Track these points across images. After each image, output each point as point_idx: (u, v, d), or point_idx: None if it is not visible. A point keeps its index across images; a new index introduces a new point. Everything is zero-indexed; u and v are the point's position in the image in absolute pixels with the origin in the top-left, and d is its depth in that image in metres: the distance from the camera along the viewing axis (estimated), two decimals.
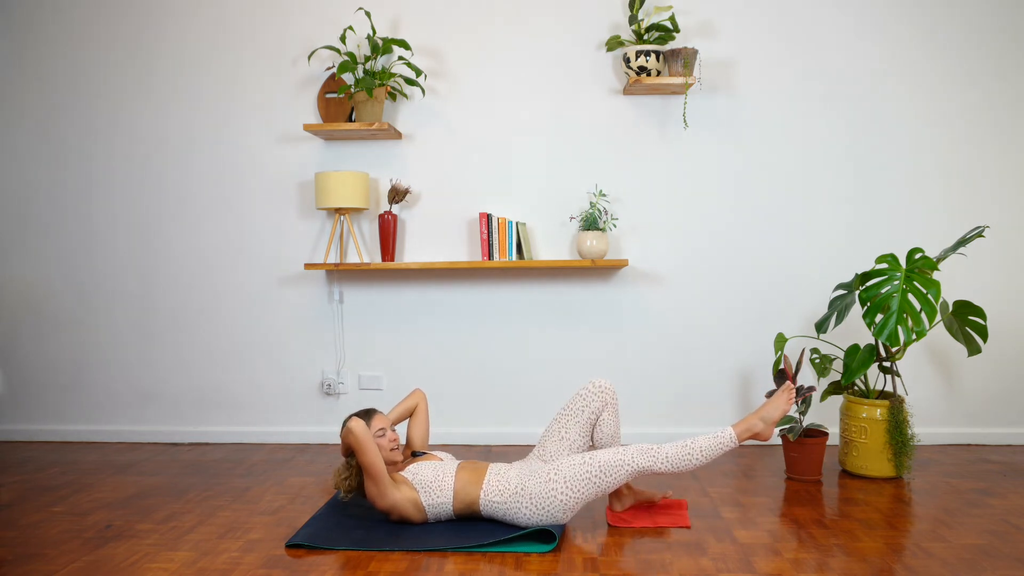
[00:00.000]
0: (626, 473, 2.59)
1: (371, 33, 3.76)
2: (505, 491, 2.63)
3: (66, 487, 3.28)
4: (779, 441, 3.76)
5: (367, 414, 2.79)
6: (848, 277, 3.76)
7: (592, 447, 2.83)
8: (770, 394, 3.27)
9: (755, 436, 2.70)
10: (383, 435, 2.74)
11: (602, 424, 2.80)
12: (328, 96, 3.85)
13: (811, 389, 3.23)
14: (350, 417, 2.82)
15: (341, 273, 3.94)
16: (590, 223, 3.68)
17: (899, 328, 3.45)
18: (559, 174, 3.85)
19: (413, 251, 3.92)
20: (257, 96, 3.93)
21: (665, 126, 3.81)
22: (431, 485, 2.67)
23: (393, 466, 2.78)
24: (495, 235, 3.72)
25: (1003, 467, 3.42)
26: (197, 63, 3.94)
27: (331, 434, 3.94)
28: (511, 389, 3.92)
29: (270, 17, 3.90)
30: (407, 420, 3.13)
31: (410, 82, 3.73)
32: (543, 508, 2.58)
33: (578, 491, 2.57)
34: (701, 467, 2.65)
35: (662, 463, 2.59)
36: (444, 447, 3.83)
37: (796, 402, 3.24)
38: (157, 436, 4.07)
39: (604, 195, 3.80)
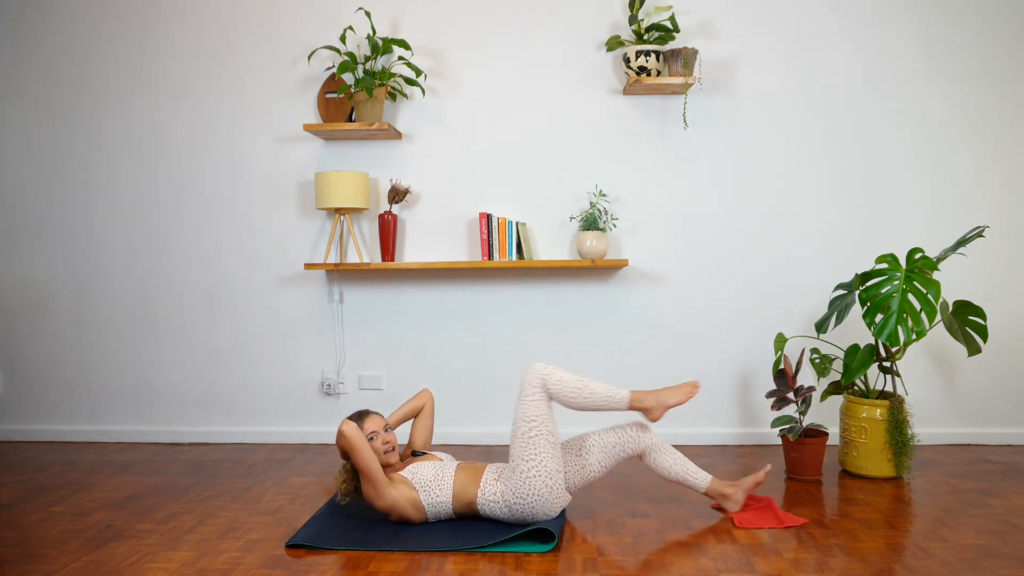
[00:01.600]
0: (538, 401, 2.61)
1: (371, 33, 3.76)
2: (497, 492, 2.64)
3: (66, 487, 3.28)
4: (779, 441, 3.76)
5: (360, 416, 2.78)
6: (848, 277, 3.76)
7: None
8: (771, 394, 3.28)
9: (644, 410, 2.72)
10: (374, 439, 2.72)
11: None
12: (328, 96, 3.85)
13: (811, 389, 3.24)
14: (350, 417, 2.82)
15: (341, 273, 3.94)
16: (590, 223, 3.68)
17: (899, 328, 3.45)
18: (559, 174, 3.85)
19: (413, 251, 3.92)
20: (257, 96, 3.93)
21: (665, 126, 3.81)
22: (430, 485, 2.67)
23: (390, 467, 2.77)
24: (495, 235, 3.72)
25: (1003, 467, 3.42)
26: (197, 63, 3.94)
27: (331, 434, 3.93)
28: (511, 389, 3.92)
29: (270, 17, 3.91)
30: (412, 419, 3.12)
31: (410, 82, 3.73)
32: (528, 496, 2.58)
33: (536, 456, 2.58)
34: (585, 409, 2.68)
35: (555, 384, 2.63)
36: (444, 447, 3.83)
37: (796, 402, 3.26)
38: (157, 436, 4.07)
39: (604, 195, 3.80)
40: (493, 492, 2.65)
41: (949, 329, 3.30)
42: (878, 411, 3.25)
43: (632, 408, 2.71)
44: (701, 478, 2.81)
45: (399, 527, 2.69)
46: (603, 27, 3.80)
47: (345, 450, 2.67)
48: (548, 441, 2.61)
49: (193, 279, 4.01)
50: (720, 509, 2.86)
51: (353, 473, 2.78)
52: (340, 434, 2.61)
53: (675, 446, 3.78)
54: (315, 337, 3.98)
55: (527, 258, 3.76)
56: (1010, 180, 3.77)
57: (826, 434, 3.27)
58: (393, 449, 2.78)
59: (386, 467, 2.76)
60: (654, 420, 2.74)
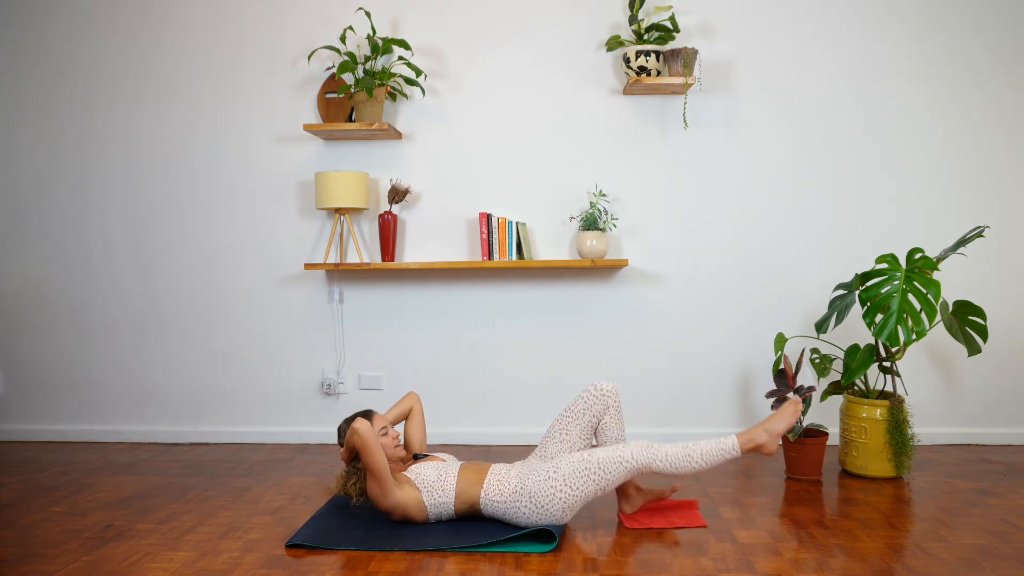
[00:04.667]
0: (625, 470, 2.58)
1: (371, 33, 3.76)
2: (505, 491, 2.64)
3: (66, 487, 3.28)
4: (779, 441, 3.75)
5: (367, 415, 2.80)
6: (848, 277, 3.76)
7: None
8: (771, 394, 3.27)
9: (758, 448, 2.65)
10: (385, 433, 2.77)
11: (605, 428, 2.80)
12: (328, 96, 3.85)
13: (811, 389, 3.24)
14: (348, 420, 2.83)
15: (341, 273, 3.94)
16: (590, 223, 3.68)
17: (899, 328, 3.45)
18: (559, 174, 3.85)
19: (413, 251, 3.92)
20: (257, 96, 3.93)
21: (665, 126, 3.81)
22: (434, 485, 2.68)
23: (397, 464, 2.79)
24: (495, 235, 3.72)
25: (1003, 467, 3.42)
26: (197, 63, 3.94)
27: (331, 434, 3.94)
28: (511, 389, 3.92)
29: (270, 17, 3.91)
30: (403, 423, 3.13)
31: (410, 82, 3.73)
32: (543, 507, 2.58)
33: (577, 489, 2.57)
34: (700, 471, 2.64)
35: (661, 462, 2.59)
36: (444, 447, 3.83)
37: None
38: (157, 436, 4.07)
39: (604, 195, 3.80)
40: (499, 490, 2.65)
41: (949, 329, 3.30)
42: (878, 411, 3.25)
43: (745, 451, 2.63)
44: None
45: (399, 527, 2.69)
46: (603, 27, 3.80)
47: (356, 448, 2.64)
48: (596, 492, 2.60)
49: (193, 279, 4.01)
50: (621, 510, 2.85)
51: (363, 473, 2.77)
52: (353, 431, 2.58)
53: None
54: (315, 337, 3.98)
55: (527, 258, 3.76)
56: (1010, 180, 3.77)
57: (826, 434, 3.27)
58: (400, 444, 2.82)
59: (394, 463, 2.78)
60: (770, 454, 2.68)
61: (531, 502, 2.59)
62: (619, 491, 2.84)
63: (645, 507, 2.88)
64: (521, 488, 2.61)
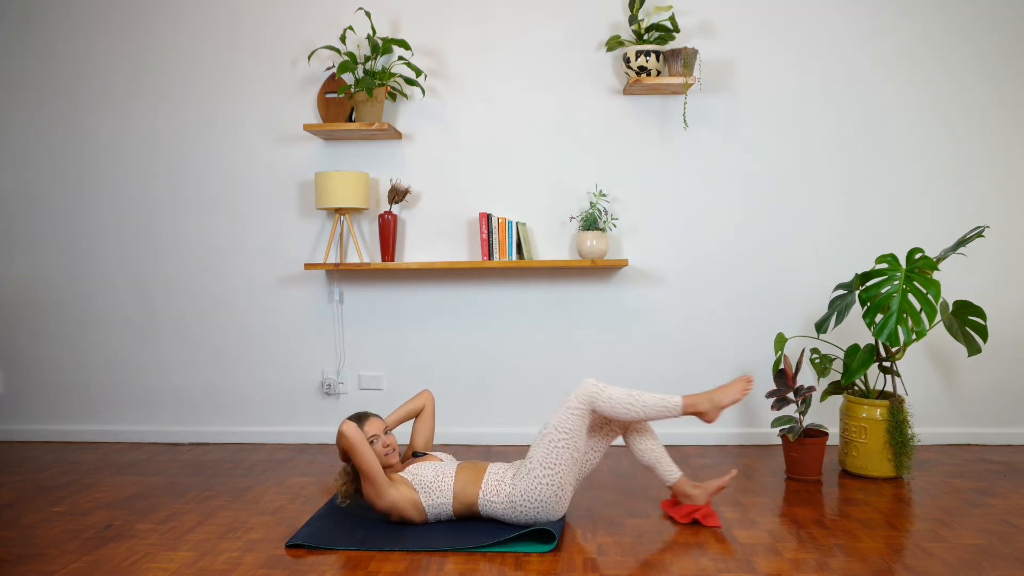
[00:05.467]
0: (578, 416, 2.60)
1: (371, 33, 3.76)
2: (502, 491, 2.64)
3: (66, 487, 3.28)
4: (779, 441, 3.76)
5: (360, 418, 2.78)
6: (848, 277, 3.76)
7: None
8: (771, 394, 3.28)
9: (699, 414, 2.69)
10: (375, 442, 2.73)
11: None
12: (328, 96, 3.85)
13: (811, 389, 3.24)
14: (344, 421, 2.83)
15: (341, 273, 3.94)
16: (590, 223, 3.68)
17: (899, 328, 3.45)
18: (559, 174, 3.85)
19: (413, 251, 3.92)
20: (257, 96, 3.93)
21: (665, 126, 3.81)
22: (431, 485, 2.67)
23: (390, 468, 2.77)
24: (495, 235, 3.72)
25: (1003, 467, 3.42)
26: (197, 63, 3.94)
27: (331, 434, 3.93)
28: (511, 389, 3.92)
29: (270, 17, 3.91)
30: (412, 420, 3.12)
31: (410, 82, 3.73)
32: (536, 500, 2.58)
33: (555, 466, 2.58)
34: (637, 421, 2.68)
35: (604, 402, 2.61)
36: (444, 447, 3.83)
37: (796, 402, 3.26)
38: (157, 436, 4.07)
39: (604, 195, 3.80)
40: (497, 490, 2.65)
41: (949, 329, 3.30)
42: (878, 411, 3.25)
43: (686, 413, 2.67)
44: (671, 472, 2.81)
45: (399, 527, 2.69)
46: (603, 27, 3.80)
47: (346, 451, 2.68)
48: (572, 456, 2.61)
49: (193, 279, 4.01)
50: (671, 513, 2.81)
51: (353, 475, 2.78)
52: (340, 435, 2.61)
53: (675, 446, 3.80)
54: (315, 337, 3.98)
55: (527, 258, 3.76)
56: (1010, 180, 3.77)
57: (826, 434, 3.27)
58: (394, 451, 2.78)
59: (386, 468, 2.76)
60: (710, 422, 2.71)
61: (524, 499, 2.60)
62: (679, 491, 2.82)
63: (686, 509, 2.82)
64: (514, 487, 2.62)
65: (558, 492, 2.60)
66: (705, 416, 2.70)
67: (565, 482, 2.61)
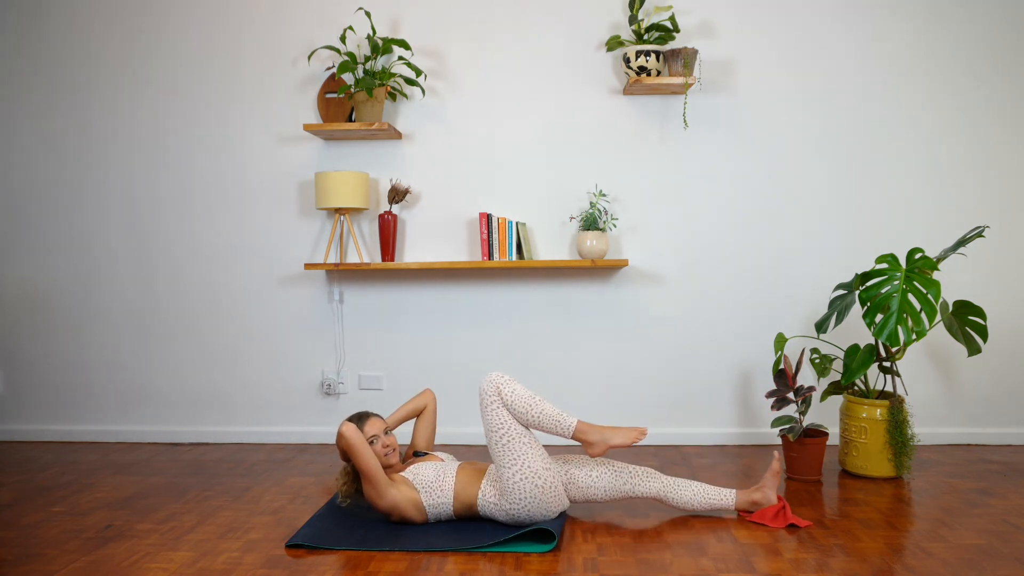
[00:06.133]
0: (498, 408, 2.58)
1: (371, 33, 3.76)
2: (495, 495, 2.64)
3: (66, 487, 3.28)
4: (779, 441, 3.76)
5: (360, 418, 2.78)
6: (848, 277, 3.76)
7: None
8: (771, 394, 3.27)
9: (586, 443, 2.67)
10: (375, 443, 2.73)
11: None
12: (328, 96, 3.85)
13: (811, 389, 3.24)
14: (344, 422, 2.83)
15: (341, 273, 3.94)
16: (590, 223, 3.68)
17: (899, 328, 3.45)
18: (559, 174, 3.85)
19: (413, 251, 3.92)
20: (257, 96, 3.93)
21: (665, 126, 3.81)
22: (432, 485, 2.68)
23: (390, 468, 2.78)
24: (495, 235, 3.72)
25: (1003, 467, 3.42)
26: (197, 63, 3.94)
27: (331, 434, 3.93)
28: None
29: (270, 17, 3.91)
30: (414, 419, 3.12)
31: (410, 82, 3.73)
32: (521, 498, 2.58)
33: (515, 460, 2.56)
34: (530, 425, 2.64)
35: (508, 394, 2.60)
36: (445, 447, 3.83)
37: (796, 402, 3.26)
38: (157, 436, 4.07)
39: (604, 195, 3.80)
40: (492, 494, 2.65)
41: (949, 329, 3.30)
42: (878, 411, 3.25)
43: (575, 439, 2.66)
44: (727, 497, 2.77)
45: (399, 527, 2.69)
46: (603, 27, 3.80)
47: (345, 451, 2.68)
48: (523, 443, 2.60)
49: (193, 279, 4.01)
50: (762, 523, 2.73)
51: (354, 475, 2.78)
52: (340, 435, 2.61)
53: (675, 446, 3.80)
54: (315, 337, 3.98)
55: (527, 258, 3.76)
56: (1010, 180, 3.77)
57: (826, 434, 3.27)
58: (394, 451, 2.79)
59: (387, 468, 2.76)
60: (593, 455, 2.70)
61: (510, 500, 2.60)
62: (745, 505, 2.77)
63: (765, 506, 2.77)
64: (500, 492, 2.63)
65: (536, 482, 2.58)
66: (591, 448, 2.67)
67: (538, 468, 2.58)
